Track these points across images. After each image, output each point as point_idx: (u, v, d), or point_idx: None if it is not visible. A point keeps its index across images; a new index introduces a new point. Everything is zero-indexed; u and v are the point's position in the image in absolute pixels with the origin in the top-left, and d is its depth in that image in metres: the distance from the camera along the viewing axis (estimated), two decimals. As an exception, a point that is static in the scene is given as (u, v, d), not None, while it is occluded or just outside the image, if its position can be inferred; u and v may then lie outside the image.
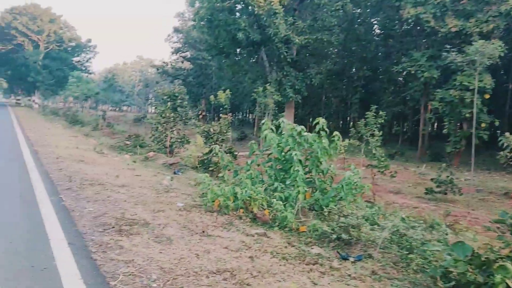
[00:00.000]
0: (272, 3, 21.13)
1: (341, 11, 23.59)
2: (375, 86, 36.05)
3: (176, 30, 49.79)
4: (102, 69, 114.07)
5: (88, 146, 16.63)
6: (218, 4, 22.85)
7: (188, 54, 50.68)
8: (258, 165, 9.34)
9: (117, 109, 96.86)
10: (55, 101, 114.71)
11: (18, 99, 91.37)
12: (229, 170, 9.68)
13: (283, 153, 9.05)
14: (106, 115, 42.43)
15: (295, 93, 25.07)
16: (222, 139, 13.55)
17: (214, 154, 13.49)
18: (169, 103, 18.04)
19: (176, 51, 51.81)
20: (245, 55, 27.78)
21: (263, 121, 9.34)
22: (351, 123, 41.71)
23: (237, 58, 28.27)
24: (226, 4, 23.10)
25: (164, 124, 17.52)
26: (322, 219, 8.06)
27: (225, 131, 13.64)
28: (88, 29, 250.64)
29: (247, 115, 59.42)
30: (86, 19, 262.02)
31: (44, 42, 63.70)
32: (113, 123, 35.00)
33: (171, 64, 50.22)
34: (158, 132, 17.86)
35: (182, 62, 51.28)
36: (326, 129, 8.85)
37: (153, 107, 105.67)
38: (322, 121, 8.89)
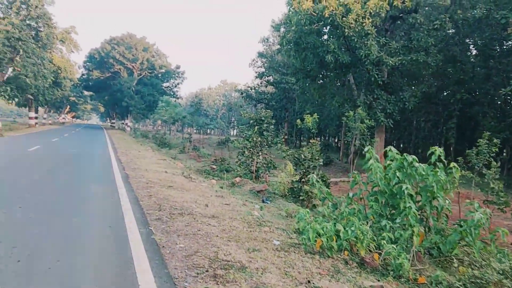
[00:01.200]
0: (363, 24, 20.11)
1: (440, 30, 21.81)
2: (473, 110, 32.97)
3: (261, 55, 50.39)
4: (188, 94, 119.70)
5: (176, 170, 16.64)
6: (306, 27, 22.30)
7: (271, 78, 50.91)
8: (361, 198, 8.30)
9: (201, 132, 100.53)
10: (144, 124, 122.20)
11: (113, 122, 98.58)
12: (323, 201, 8.77)
13: (390, 186, 7.95)
14: (192, 138, 43.71)
15: (386, 117, 23.49)
16: (313, 166, 12.64)
17: (308, 183, 12.63)
18: (256, 127, 17.58)
19: (260, 75, 52.28)
20: (332, 78, 26.77)
21: (366, 149, 8.32)
22: (446, 149, 38.58)
23: (323, 81, 27.45)
24: (314, 27, 22.47)
25: (251, 149, 17.06)
26: (443, 268, 6.78)
27: (316, 158, 12.71)
28: (177, 55, 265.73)
29: (331, 139, 57.94)
30: (175, 45, 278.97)
31: (137, 69, 68.15)
32: (198, 146, 35.69)
33: (255, 88, 50.78)
34: (244, 156, 17.45)
35: (266, 86, 51.57)
36: (444, 160, 7.64)
37: (236, 130, 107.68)
38: (438, 150, 7.69)
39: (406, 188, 7.33)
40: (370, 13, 20.23)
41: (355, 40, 20.82)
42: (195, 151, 30.74)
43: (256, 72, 53.49)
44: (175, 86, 73.84)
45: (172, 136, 52.97)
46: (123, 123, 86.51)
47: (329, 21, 20.94)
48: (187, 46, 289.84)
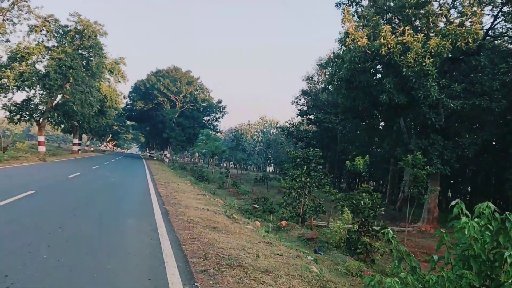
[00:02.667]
0: (423, 64, 18.86)
1: (506, 75, 20.24)
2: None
3: (304, 92, 49.75)
4: (228, 128, 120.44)
5: (217, 207, 15.54)
6: (359, 65, 21.29)
7: (312, 116, 49.92)
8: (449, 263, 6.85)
9: (237, 166, 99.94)
10: (182, 156, 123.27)
11: (152, 153, 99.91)
12: (399, 263, 7.35)
13: (486, 250, 6.48)
14: (229, 173, 42.91)
15: (443, 164, 21.71)
16: (374, 214, 11.21)
17: (368, 234, 11.18)
18: (304, 167, 16.35)
19: (302, 113, 51.42)
20: (384, 119, 25.38)
21: (453, 202, 6.95)
22: (502, 202, 35.72)
23: (373, 122, 26.10)
24: (368, 65, 21.46)
25: (298, 190, 15.81)
26: None
27: (378, 205, 11.30)
28: (219, 89, 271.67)
29: (374, 183, 55.50)
30: (218, 79, 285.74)
31: (180, 102, 69.08)
32: (237, 182, 34.63)
33: (296, 126, 49.88)
34: (290, 197, 16.18)
35: (308, 124, 50.54)
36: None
37: (272, 167, 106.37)
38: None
39: (510, 255, 5.88)
40: (431, 52, 19.00)
41: (413, 80, 19.52)
42: (235, 187, 29.68)
43: (298, 110, 52.73)
44: (216, 120, 74.18)
45: (210, 170, 52.40)
46: (161, 154, 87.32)
47: (385, 59, 19.84)
48: (230, 81, 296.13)
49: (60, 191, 13.76)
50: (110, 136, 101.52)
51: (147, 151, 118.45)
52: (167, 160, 70.83)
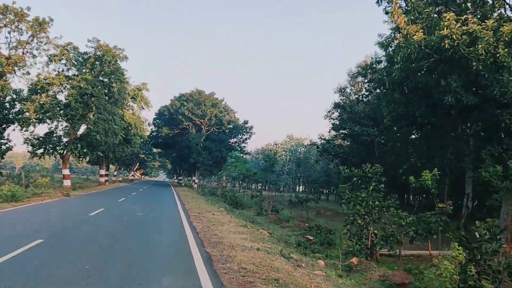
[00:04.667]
0: (497, 55, 15.78)
1: None
2: None
3: (337, 105, 46.69)
4: (254, 149, 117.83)
5: (266, 243, 12.61)
6: (414, 65, 18.33)
7: (345, 131, 46.79)
8: None
9: (266, 188, 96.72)
10: (210, 181, 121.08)
11: (180, 179, 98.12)
12: None
13: None
14: (262, 196, 40.03)
15: (522, 172, 18.25)
16: (493, 250, 8.13)
17: (491, 277, 8.07)
18: (371, 187, 13.34)
19: (336, 127, 48.30)
20: (445, 125, 22.15)
21: None
22: None
23: (431, 129, 22.89)
24: (425, 63, 18.45)
25: (365, 216, 12.82)
26: None
27: (497, 236, 8.22)
28: (244, 109, 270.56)
29: (429, 197, 50.87)
30: (242, 99, 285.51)
31: (206, 125, 67.08)
32: (276, 207, 31.56)
33: (329, 142, 46.73)
34: (355, 226, 13.17)
35: (344, 139, 47.36)
36: None
37: (302, 187, 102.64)
38: None
39: None
40: (505, 40, 15.93)
41: (485, 75, 16.40)
42: (275, 213, 26.68)
43: (332, 124, 49.64)
44: (243, 142, 71.69)
45: (241, 193, 49.65)
46: (189, 180, 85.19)
47: (449, 53, 16.83)
48: (254, 101, 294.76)
49: (75, 237, 11.13)
50: (137, 165, 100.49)
51: (175, 177, 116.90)
52: (195, 186, 68.53)
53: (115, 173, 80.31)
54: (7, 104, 37.67)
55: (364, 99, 42.89)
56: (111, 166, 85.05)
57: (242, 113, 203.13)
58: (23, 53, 38.83)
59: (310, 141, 58.98)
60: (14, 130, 38.67)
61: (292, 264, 9.71)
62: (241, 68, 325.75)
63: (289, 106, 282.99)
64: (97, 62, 36.43)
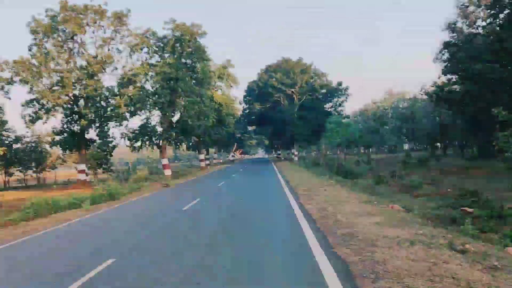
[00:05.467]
0: None
1: None
2: None
3: (447, 44, 40.02)
4: (351, 111, 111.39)
5: (413, 227, 8.98)
6: None
7: (460, 73, 39.96)
8: None
9: (370, 150, 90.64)
10: (309, 151, 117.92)
11: (279, 154, 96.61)
12: None
13: None
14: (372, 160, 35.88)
15: None
16: None
17: None
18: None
19: (447, 71, 41.71)
20: None
21: None
22: None
23: None
24: None
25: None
26: None
27: None
28: (335, 70, 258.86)
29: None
30: (331, 60, 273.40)
31: (297, 94, 63.64)
32: (395, 171, 27.23)
33: (442, 88, 40.37)
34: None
35: (462, 82, 40.68)
36: None
37: (408, 144, 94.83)
38: None
39: None
40: None
41: None
42: (397, 179, 22.55)
43: (444, 67, 42.96)
44: (339, 105, 66.83)
45: (346, 160, 45.67)
46: (288, 153, 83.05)
47: None
48: (345, 59, 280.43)
49: (157, 249, 8.48)
50: (236, 145, 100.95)
51: (274, 152, 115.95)
52: (296, 158, 65.91)
53: (215, 155, 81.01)
54: (103, 103, 38.12)
55: (481, 31, 35.92)
56: (210, 149, 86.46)
57: (334, 75, 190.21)
58: (108, 49, 38.85)
59: (420, 92, 52.25)
60: (113, 127, 39.25)
61: (473, 262, 6.09)
62: (326, 22, 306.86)
63: (384, 57, 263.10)
64: (177, 44, 34.77)
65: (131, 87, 32.73)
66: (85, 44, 38.03)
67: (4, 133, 50.59)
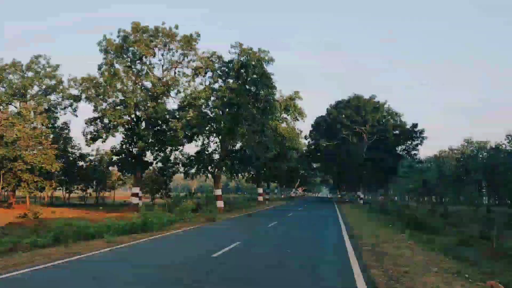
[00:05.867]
0: None
1: None
2: None
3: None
4: (424, 157, 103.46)
5: None
6: None
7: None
8: None
9: (441, 201, 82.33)
10: (374, 195, 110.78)
11: (343, 194, 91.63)
12: None
13: None
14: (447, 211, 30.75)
15: None
16: None
17: None
18: None
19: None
20: None
21: None
22: None
23: None
24: None
25: None
26: None
27: None
28: (412, 112, 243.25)
29: None
30: (407, 100, 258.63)
31: (367, 133, 59.53)
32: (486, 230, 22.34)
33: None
34: None
35: None
36: None
37: (486, 198, 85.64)
38: None
39: None
40: None
41: None
42: (494, 241, 17.83)
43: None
44: (413, 149, 61.32)
45: (418, 209, 40.45)
46: (353, 196, 77.97)
47: None
48: (421, 99, 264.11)
49: None
50: (298, 181, 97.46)
51: (338, 193, 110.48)
52: (361, 201, 60.98)
53: (276, 191, 78.09)
54: (164, 126, 37.18)
55: None
56: (273, 184, 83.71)
57: (409, 115, 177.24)
58: (174, 73, 38.19)
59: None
60: (169, 151, 38.04)
61: None
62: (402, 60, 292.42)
63: (465, 101, 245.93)
64: (242, 70, 33.02)
65: (190, 111, 31.23)
66: (153, 66, 37.75)
67: (70, 149, 51.75)
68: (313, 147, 68.91)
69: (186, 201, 30.56)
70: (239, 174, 36.25)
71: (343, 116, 59.35)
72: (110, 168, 48.70)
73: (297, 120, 49.91)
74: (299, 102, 47.64)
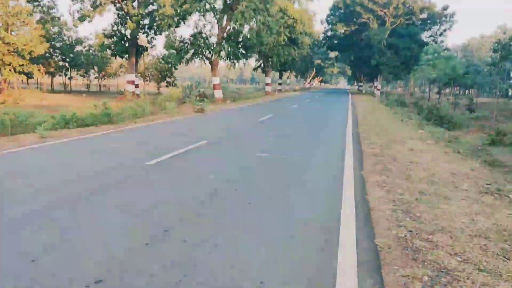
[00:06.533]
0: None
1: None
2: None
3: None
4: (452, 45, 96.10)
5: None
6: None
7: None
8: None
9: (468, 92, 77.65)
10: (394, 86, 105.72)
11: (360, 86, 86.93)
12: None
13: None
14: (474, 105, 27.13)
15: None
16: None
17: None
18: None
19: None
20: None
21: None
22: None
23: None
24: None
25: None
26: None
27: None
28: None
29: None
30: None
31: (391, 16, 53.15)
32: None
33: None
34: None
35: None
36: None
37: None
38: None
39: None
40: None
41: None
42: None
43: None
44: (441, 34, 54.98)
45: (441, 102, 36.70)
46: (371, 87, 73.55)
47: None
48: None
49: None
50: (313, 72, 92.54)
51: (355, 84, 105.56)
52: (378, 93, 57.02)
53: (288, 81, 74.03)
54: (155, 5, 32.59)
55: None
56: (286, 74, 79.13)
57: None
58: None
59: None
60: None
61: None
62: None
63: None
64: None
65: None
66: None
67: (65, 32, 47.84)
68: (330, 33, 63.10)
69: (192, 90, 27.51)
70: (241, 61, 32.22)
71: (365, -4, 52.44)
72: (100, 52, 44.83)
73: (311, 0, 44.09)
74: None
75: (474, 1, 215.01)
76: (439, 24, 54.87)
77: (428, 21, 55.23)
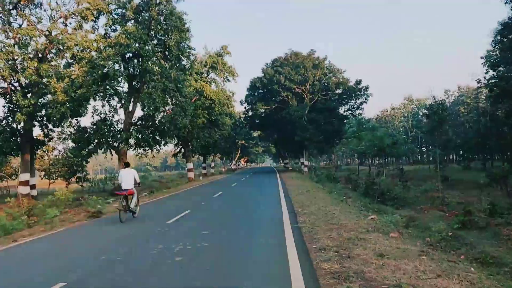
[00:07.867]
0: None
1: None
2: None
3: (507, 26, 29.93)
4: (367, 118, 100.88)
5: None
6: None
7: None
8: None
9: (388, 161, 79.86)
10: (317, 161, 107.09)
11: (286, 163, 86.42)
12: None
13: None
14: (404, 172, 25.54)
15: None
16: None
17: None
18: None
19: (501, 61, 31.81)
20: None
21: None
22: None
23: None
24: None
25: None
26: None
27: None
28: (353, 68, 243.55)
29: None
30: (350, 56, 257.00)
31: (308, 93, 53.58)
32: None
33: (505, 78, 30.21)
34: None
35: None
36: None
37: (427, 156, 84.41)
38: None
39: None
40: None
41: None
42: (444, 205, 11.99)
43: (493, 59, 33.09)
44: (358, 108, 56.20)
45: (376, 176, 35.32)
46: (297, 163, 72.81)
47: None
48: (362, 61, 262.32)
49: None
50: (239, 152, 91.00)
51: (281, 161, 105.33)
52: (305, 169, 55.62)
53: (212, 164, 71.02)
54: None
55: None
56: (211, 156, 76.20)
57: (351, 72, 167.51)
58: (65, 25, 29.20)
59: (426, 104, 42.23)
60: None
61: None
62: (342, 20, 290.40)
63: (403, 62, 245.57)
64: (144, 12, 24.93)
65: (76, 66, 23.01)
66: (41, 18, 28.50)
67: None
68: (250, 112, 62.40)
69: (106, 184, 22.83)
70: (154, 149, 28.33)
71: (281, 75, 52.79)
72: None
73: (228, 80, 42.72)
74: (228, 60, 40.30)
75: (383, 75, 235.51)
76: (355, 98, 56.29)
77: (344, 96, 56.55)
